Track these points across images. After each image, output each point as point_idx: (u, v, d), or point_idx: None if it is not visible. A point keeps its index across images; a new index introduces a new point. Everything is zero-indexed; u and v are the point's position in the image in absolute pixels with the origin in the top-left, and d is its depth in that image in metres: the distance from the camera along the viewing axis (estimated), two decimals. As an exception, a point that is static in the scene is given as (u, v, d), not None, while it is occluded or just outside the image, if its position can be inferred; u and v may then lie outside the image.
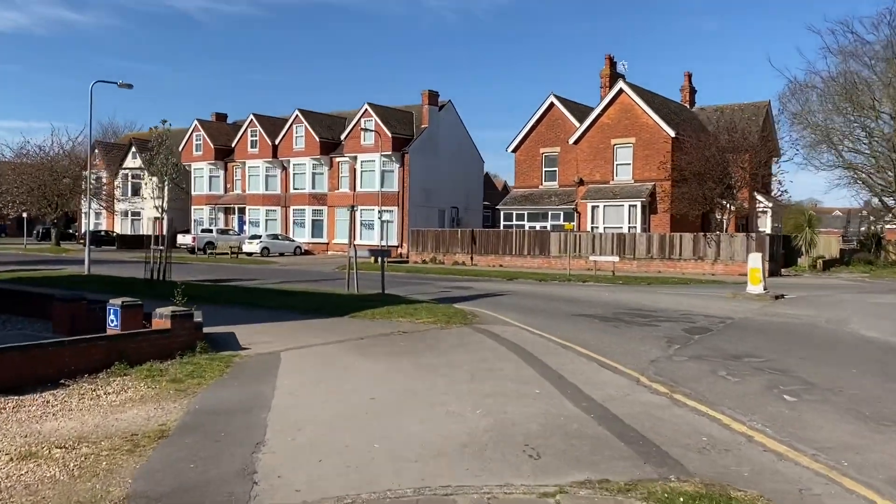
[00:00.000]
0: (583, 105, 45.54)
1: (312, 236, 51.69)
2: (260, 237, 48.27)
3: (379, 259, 18.81)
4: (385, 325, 12.97)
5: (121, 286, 20.05)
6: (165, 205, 21.95)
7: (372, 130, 47.07)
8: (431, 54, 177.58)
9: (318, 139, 50.57)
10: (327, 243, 51.29)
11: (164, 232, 21.31)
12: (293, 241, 50.28)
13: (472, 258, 39.48)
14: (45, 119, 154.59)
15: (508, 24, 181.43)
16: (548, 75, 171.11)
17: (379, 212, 45.15)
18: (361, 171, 49.23)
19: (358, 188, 49.23)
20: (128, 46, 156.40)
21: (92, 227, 68.13)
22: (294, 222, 52.95)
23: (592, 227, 38.00)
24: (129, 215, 64.89)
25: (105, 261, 38.33)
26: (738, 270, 31.88)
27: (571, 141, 40.48)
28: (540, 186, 43.87)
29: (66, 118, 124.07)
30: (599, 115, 39.57)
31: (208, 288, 19.69)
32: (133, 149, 62.01)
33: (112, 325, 10.37)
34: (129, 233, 61.91)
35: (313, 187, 51.86)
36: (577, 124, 41.58)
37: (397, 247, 47.72)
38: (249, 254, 46.48)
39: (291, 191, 52.92)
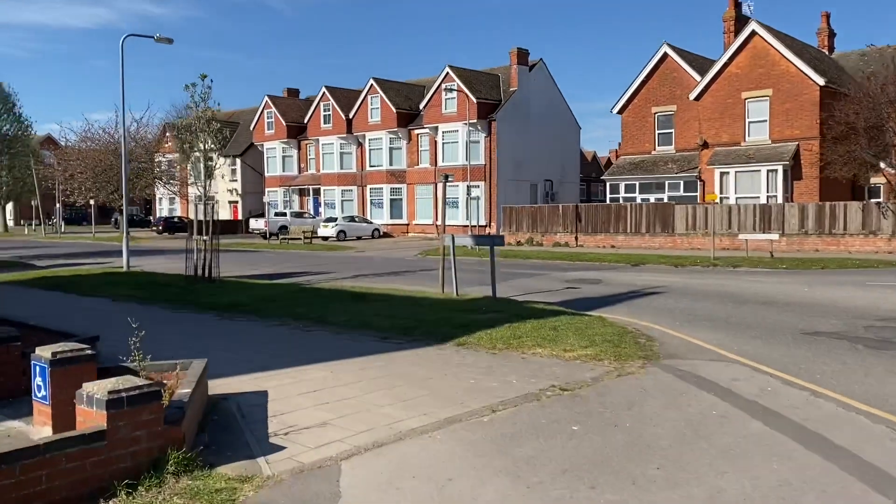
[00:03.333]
0: (701, 57, 38.81)
1: (391, 217, 47.04)
2: (335, 220, 44.01)
3: (489, 249, 13.52)
4: (519, 368, 7.76)
5: (153, 288, 15.66)
6: (207, 184, 17.40)
7: (454, 92, 41.68)
8: (512, 22, 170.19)
9: (394, 110, 45.66)
10: (407, 224, 46.53)
11: (207, 218, 16.77)
12: (371, 222, 45.79)
13: (576, 238, 33.79)
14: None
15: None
16: (652, 31, 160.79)
17: (467, 188, 39.93)
18: (443, 143, 44.05)
19: (440, 162, 44.11)
20: (206, 36, 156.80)
21: (167, 214, 66.15)
22: (371, 202, 48.42)
23: (722, 198, 31.61)
24: (204, 200, 62.03)
25: (166, 250, 34.80)
26: (926, 248, 25.12)
27: (692, 97, 34.02)
28: (653, 152, 37.57)
29: (152, 108, 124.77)
30: (726, 65, 32.94)
31: (261, 290, 15.03)
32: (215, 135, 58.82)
33: (39, 395, 5.60)
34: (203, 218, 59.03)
35: (391, 164, 47.10)
36: (697, 77, 35.05)
37: (486, 226, 42.45)
38: (325, 238, 42.30)
39: (368, 168, 48.36)
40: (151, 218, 67.37)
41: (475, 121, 41.25)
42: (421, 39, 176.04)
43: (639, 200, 35.32)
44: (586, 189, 71.41)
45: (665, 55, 37.25)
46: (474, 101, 41.07)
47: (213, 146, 17.34)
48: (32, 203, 58.91)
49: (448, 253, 13.87)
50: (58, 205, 59.79)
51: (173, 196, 60.06)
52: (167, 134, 55.76)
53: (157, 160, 53.66)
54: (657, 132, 37.72)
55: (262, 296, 13.76)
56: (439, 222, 45.76)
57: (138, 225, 72.29)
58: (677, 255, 25.79)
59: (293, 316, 11.43)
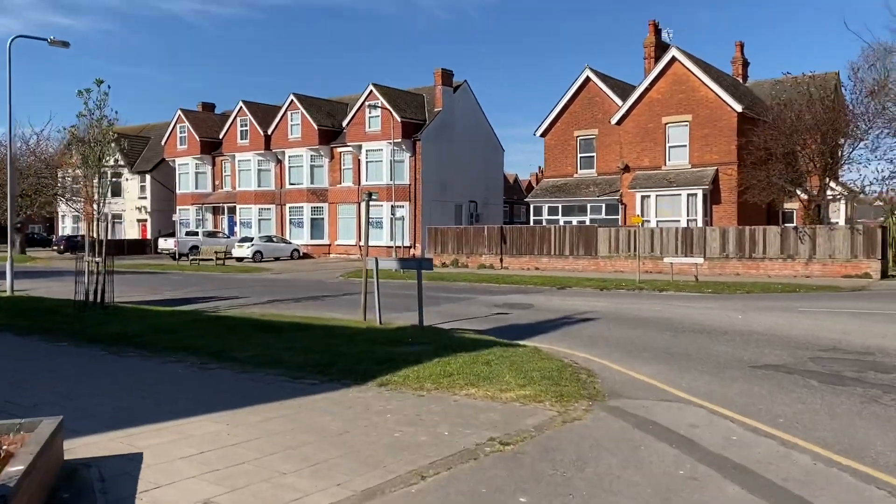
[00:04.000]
0: (623, 82, 39.27)
1: (312, 237, 45.37)
2: (252, 240, 42.03)
3: (416, 273, 12.42)
4: (451, 414, 6.73)
5: (35, 316, 13.86)
6: (103, 200, 15.72)
7: (378, 109, 40.67)
8: (434, 45, 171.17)
9: (316, 127, 44.24)
10: (329, 245, 44.99)
11: (100, 236, 15.07)
12: (290, 243, 43.99)
13: (501, 260, 33.20)
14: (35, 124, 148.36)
15: (511, 17, 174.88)
16: (574, 57, 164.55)
17: (391, 207, 38.85)
18: (367, 162, 42.91)
19: (364, 181, 42.92)
20: (118, 50, 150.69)
21: (70, 232, 62.03)
22: (291, 222, 46.62)
23: (643, 221, 31.73)
24: (110, 218, 58.48)
25: (64, 271, 32.11)
26: (840, 271, 25.67)
27: (613, 121, 34.23)
28: (575, 175, 37.59)
29: (57, 121, 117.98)
30: (647, 90, 33.32)
31: (158, 318, 13.47)
32: (113, 145, 55.52)
33: None
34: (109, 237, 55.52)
35: (312, 182, 45.53)
36: (618, 102, 35.35)
37: (410, 247, 41.45)
38: (240, 259, 40.26)
39: (287, 186, 46.60)
40: (54, 237, 63.09)
41: (399, 140, 40.38)
42: (343, 59, 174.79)
43: (562, 223, 35.13)
44: (509, 211, 71.67)
45: (587, 79, 37.46)
46: (399, 119, 40.22)
47: (116, 159, 15.65)
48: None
49: (371, 276, 12.76)
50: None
51: (78, 214, 56.37)
52: (71, 148, 52.26)
53: (59, 175, 50.17)
54: (579, 155, 37.79)
55: (158, 325, 12.24)
56: (363, 243, 44.64)
57: (39, 244, 67.67)
58: (602, 278, 25.47)
59: (191, 350, 10.04)
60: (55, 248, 53.28)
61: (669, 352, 10.40)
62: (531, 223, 37.10)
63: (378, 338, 10.72)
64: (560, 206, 36.33)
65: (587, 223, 34.20)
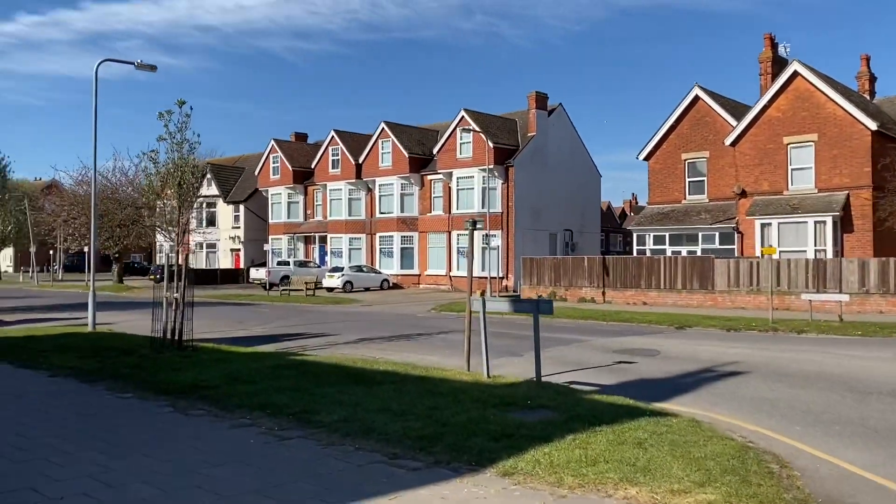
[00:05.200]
0: (735, 101, 36.33)
1: (402, 267, 44.13)
2: (342, 269, 41.16)
3: (533, 314, 10.34)
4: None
5: (108, 357, 12.72)
6: (182, 228, 14.60)
7: (470, 135, 39.22)
8: (519, 75, 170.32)
9: (406, 154, 43.24)
10: (419, 275, 43.61)
11: (180, 264, 13.89)
12: (380, 273, 42.90)
13: (604, 293, 30.74)
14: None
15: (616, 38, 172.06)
16: (660, 80, 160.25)
17: (483, 236, 37.08)
18: (458, 190, 41.44)
19: (454, 210, 41.46)
20: (218, 87, 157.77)
21: (170, 262, 63.37)
22: (381, 251, 45.59)
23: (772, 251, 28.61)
24: (205, 248, 59.55)
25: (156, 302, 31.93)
26: None
27: (727, 142, 31.38)
28: (683, 201, 34.76)
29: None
30: (766, 108, 30.36)
31: (238, 361, 12.04)
32: (209, 175, 56.58)
33: None
34: (204, 266, 56.38)
35: (402, 210, 44.44)
36: (731, 122, 32.50)
37: (501, 278, 39.50)
38: (330, 289, 39.41)
39: (377, 215, 45.71)
40: (151, 265, 64.91)
41: (492, 166, 38.71)
42: (432, 88, 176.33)
43: (669, 253, 32.37)
44: (605, 240, 68.65)
45: (696, 98, 34.75)
46: (491, 145, 38.60)
47: (196, 183, 14.54)
48: (30, 249, 56.53)
49: (472, 314, 10.90)
50: (57, 250, 57.38)
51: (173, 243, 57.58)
52: (148, 173, 53.38)
53: (157, 205, 51.23)
54: (688, 180, 34.97)
55: (235, 373, 10.77)
56: (453, 273, 43.17)
57: (138, 273, 69.91)
58: (725, 317, 22.69)
59: (269, 408, 8.43)
60: (152, 276, 54.36)
61: (867, 424, 7.99)
62: (635, 253, 34.47)
63: (489, 398, 8.80)
64: (667, 234, 33.55)
65: (698, 253, 31.33)
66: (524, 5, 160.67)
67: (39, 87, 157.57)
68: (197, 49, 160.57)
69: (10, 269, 75.02)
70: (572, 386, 10.21)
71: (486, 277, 35.37)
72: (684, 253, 32.03)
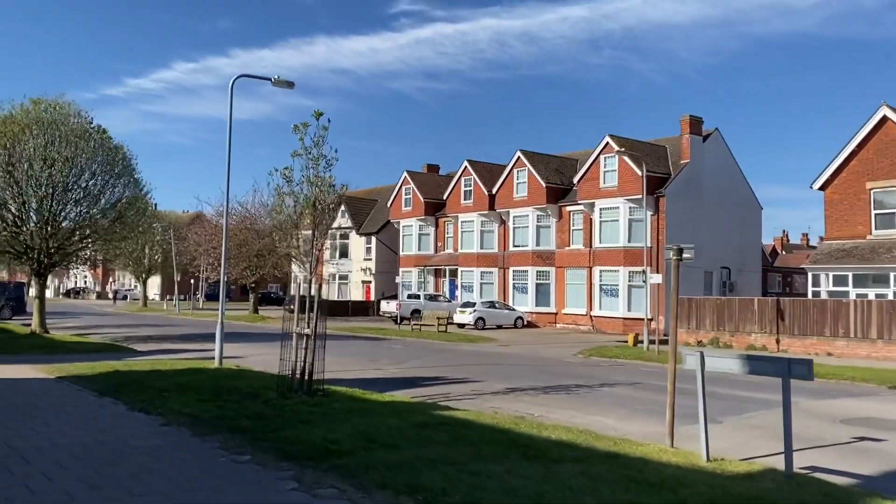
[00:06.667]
0: (930, 118, 31.25)
1: (536, 304, 41.43)
2: (473, 305, 39.08)
3: (782, 379, 7.41)
4: None
5: (231, 401, 11.05)
6: (316, 256, 12.90)
7: (615, 162, 36.28)
8: (652, 109, 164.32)
9: (543, 184, 40.85)
10: (555, 313, 40.72)
11: (313, 294, 12.12)
12: (513, 309, 40.44)
13: (777, 341, 26.66)
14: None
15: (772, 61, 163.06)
16: (798, 108, 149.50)
17: (629, 273, 33.82)
18: (600, 222, 38.42)
19: (595, 243, 38.44)
20: (354, 126, 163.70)
21: (302, 292, 64.19)
22: (514, 286, 43.14)
23: None
24: (337, 279, 59.62)
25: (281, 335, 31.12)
26: None
27: (928, 167, 26.71)
28: (868, 236, 29.99)
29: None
30: (978, 126, 25.56)
31: (374, 415, 9.96)
32: (343, 207, 56.73)
33: None
34: (336, 298, 56.29)
35: (537, 244, 41.90)
36: (930, 144, 27.74)
37: (651, 319, 35.87)
38: (461, 325, 37.40)
39: (511, 248, 43.43)
40: (286, 296, 65.96)
41: (640, 196, 35.51)
42: (561, 121, 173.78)
43: (853, 296, 27.81)
44: (764, 279, 62.82)
45: (884, 119, 30.10)
46: (639, 173, 35.44)
47: (330, 207, 12.85)
48: (175, 278, 58.80)
49: (675, 370, 8.23)
50: (199, 279, 59.36)
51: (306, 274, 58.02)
52: (280, 193, 53.90)
53: (293, 236, 51.68)
54: (874, 212, 30.18)
55: (374, 431, 8.65)
56: (594, 312, 39.96)
57: (274, 303, 71.33)
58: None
59: (420, 492, 6.19)
60: (287, 307, 54.80)
61: None
62: (810, 295, 30.05)
63: (727, 499, 6.10)
64: (850, 274, 28.93)
65: (889, 297, 26.66)
66: (657, 38, 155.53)
67: (189, 128, 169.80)
68: (332, 91, 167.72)
69: (157, 297, 78.91)
70: (829, 479, 7.29)
71: (638, 318, 32.08)
72: (871, 296, 27.40)
